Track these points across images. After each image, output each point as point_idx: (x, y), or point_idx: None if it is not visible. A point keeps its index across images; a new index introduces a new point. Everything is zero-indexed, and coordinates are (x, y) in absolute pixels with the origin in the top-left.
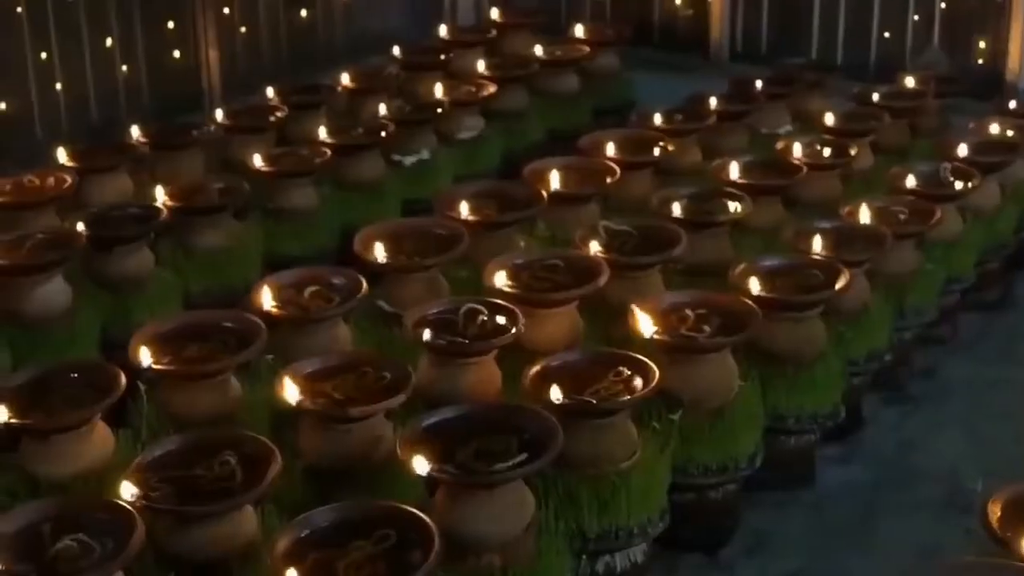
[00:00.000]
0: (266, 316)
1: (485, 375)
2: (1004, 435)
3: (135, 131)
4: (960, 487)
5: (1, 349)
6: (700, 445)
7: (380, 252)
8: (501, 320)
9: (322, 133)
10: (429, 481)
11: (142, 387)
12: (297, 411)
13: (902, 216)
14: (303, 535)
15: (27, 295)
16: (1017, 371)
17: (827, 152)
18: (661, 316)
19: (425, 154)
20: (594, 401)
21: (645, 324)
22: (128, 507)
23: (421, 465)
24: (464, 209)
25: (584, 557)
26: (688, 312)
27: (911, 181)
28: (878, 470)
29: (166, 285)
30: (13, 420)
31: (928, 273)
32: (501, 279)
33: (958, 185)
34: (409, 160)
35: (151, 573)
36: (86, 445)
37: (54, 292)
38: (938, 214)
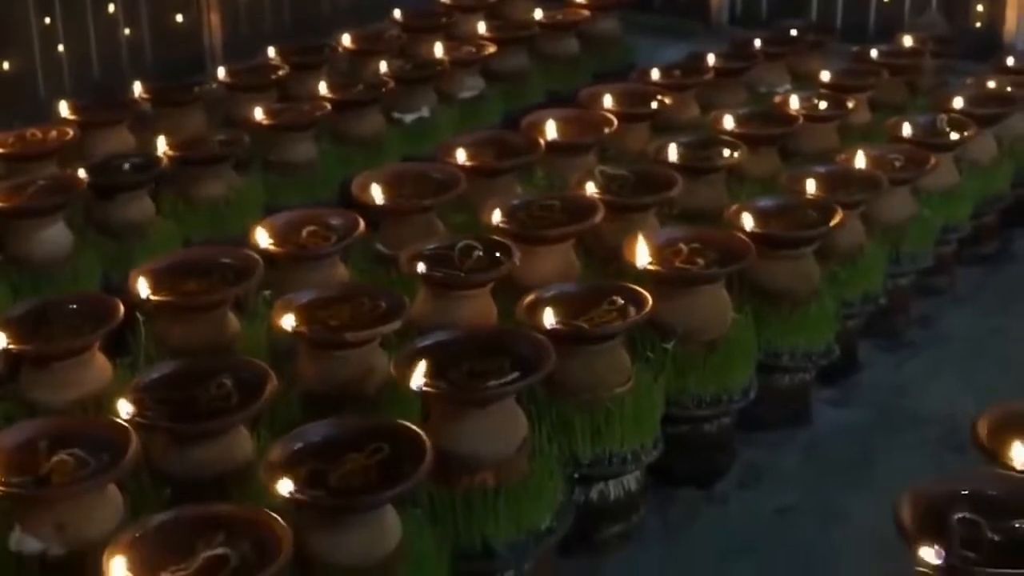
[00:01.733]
0: (264, 253)
1: (480, 309)
2: (1002, 383)
3: (137, 87)
4: (957, 428)
5: (4, 292)
6: (694, 377)
7: (378, 194)
8: (497, 256)
9: (323, 89)
10: (422, 400)
11: (140, 319)
12: (294, 338)
13: (897, 163)
14: (297, 447)
15: (30, 238)
16: (1015, 322)
17: (824, 106)
18: (656, 250)
19: (425, 112)
20: (586, 326)
21: (640, 257)
22: (123, 424)
23: (415, 380)
24: (462, 156)
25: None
26: (682, 246)
27: (907, 130)
28: (874, 412)
29: (167, 233)
30: (13, 346)
31: (923, 220)
32: (497, 217)
33: (954, 136)
34: (409, 118)
35: (147, 493)
36: (84, 373)
37: (56, 236)
38: (933, 161)
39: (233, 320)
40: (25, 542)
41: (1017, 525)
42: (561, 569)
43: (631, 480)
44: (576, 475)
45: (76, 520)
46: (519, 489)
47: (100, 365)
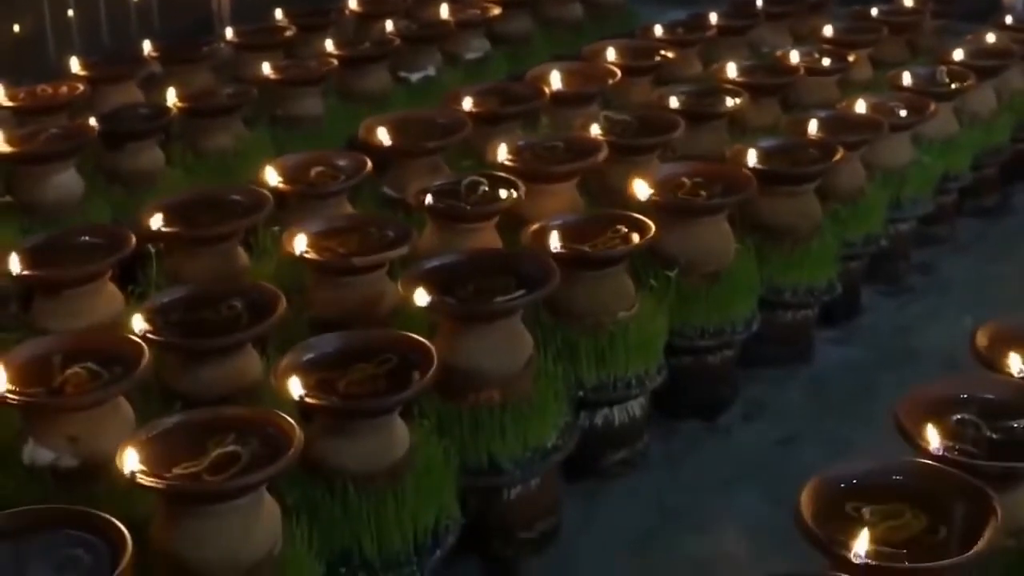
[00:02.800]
0: (273, 191)
1: (485, 243)
2: None
3: (147, 46)
4: (957, 364)
5: (16, 236)
6: (697, 308)
7: (384, 136)
8: (503, 193)
9: (329, 47)
10: (430, 317)
11: (152, 250)
12: (303, 265)
13: (898, 111)
14: (306, 358)
15: (41, 184)
16: (1015, 269)
17: (826, 62)
18: (659, 184)
19: (431, 71)
20: (589, 249)
21: (643, 189)
22: (136, 339)
23: (421, 297)
24: (468, 103)
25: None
26: (685, 180)
27: (908, 79)
28: (876, 351)
29: (175, 182)
30: (26, 272)
31: (923, 167)
32: (503, 155)
33: (954, 86)
34: (415, 77)
35: (157, 411)
36: (96, 302)
37: (67, 182)
38: (932, 107)
39: (242, 255)
40: (38, 454)
41: (1015, 425)
42: (566, 494)
43: (635, 406)
44: (581, 392)
45: (88, 432)
46: (525, 407)
47: (111, 294)
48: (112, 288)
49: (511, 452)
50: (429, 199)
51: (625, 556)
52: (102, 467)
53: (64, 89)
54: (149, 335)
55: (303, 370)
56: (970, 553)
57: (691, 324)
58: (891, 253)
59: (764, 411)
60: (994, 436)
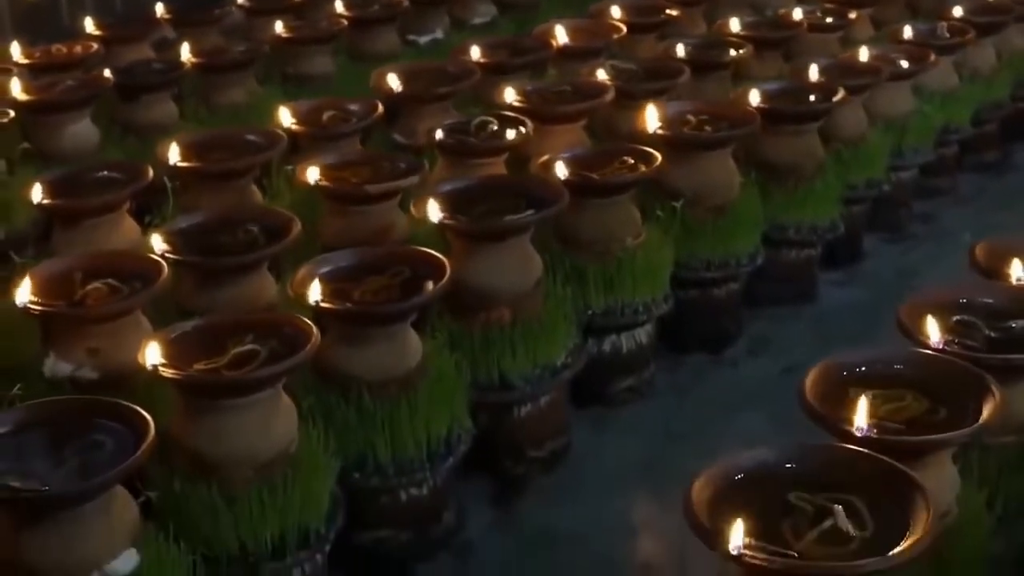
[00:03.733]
0: (286, 131)
1: None
2: None
3: (159, 7)
4: None
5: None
6: (702, 241)
7: (395, 83)
8: (511, 132)
9: (339, 7)
10: (441, 236)
11: (168, 185)
12: (316, 195)
13: (898, 60)
14: (322, 270)
15: (58, 133)
16: (1016, 219)
17: (829, 20)
18: (665, 120)
19: (439, 34)
20: (596, 176)
21: (649, 123)
22: (156, 257)
23: (434, 213)
24: (476, 53)
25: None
26: (691, 117)
27: (908, 33)
28: (879, 292)
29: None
30: (46, 202)
31: (924, 116)
32: (511, 96)
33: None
34: (423, 40)
35: None
36: (113, 233)
37: (83, 131)
38: (932, 57)
39: (256, 193)
40: (58, 367)
41: (1014, 325)
42: (574, 419)
43: (642, 334)
44: (590, 312)
45: (108, 345)
46: (535, 326)
47: (129, 226)
48: (129, 221)
49: (521, 369)
50: (439, 134)
51: (633, 477)
52: (121, 380)
53: (79, 48)
54: (168, 254)
55: (319, 281)
56: (971, 427)
57: (697, 256)
58: (893, 201)
59: (769, 346)
60: (993, 335)
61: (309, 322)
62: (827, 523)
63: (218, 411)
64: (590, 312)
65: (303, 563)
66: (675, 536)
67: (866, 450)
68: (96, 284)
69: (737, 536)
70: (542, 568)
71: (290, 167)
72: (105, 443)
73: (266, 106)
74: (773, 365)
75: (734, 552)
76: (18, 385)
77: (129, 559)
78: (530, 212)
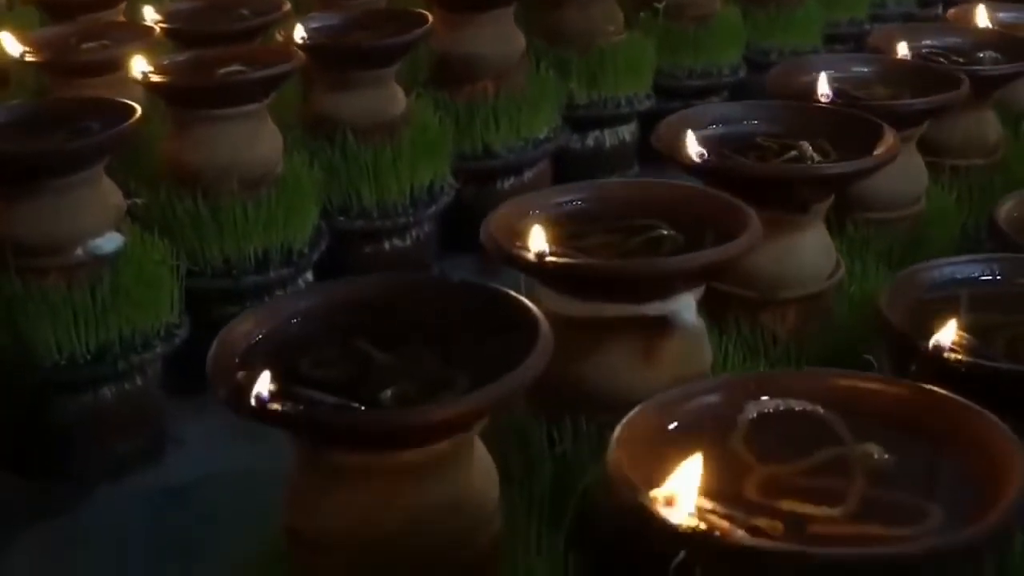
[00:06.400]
0: None
1: None
2: None
3: None
4: None
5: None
6: (685, 50)
7: None
8: None
9: None
10: (428, 7)
11: None
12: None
13: None
14: (311, 26)
15: None
16: None
17: None
18: None
19: None
20: None
21: None
22: (150, 25)
23: None
24: None
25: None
26: None
27: None
28: None
29: None
30: None
31: None
32: None
33: None
34: None
35: None
36: None
37: None
38: None
39: None
40: None
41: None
42: None
43: (625, 132)
44: (574, 104)
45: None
46: (519, 98)
47: None
48: None
49: (504, 139)
50: None
51: None
52: None
53: None
54: (159, 24)
55: (310, 33)
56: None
57: (680, 65)
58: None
59: None
60: None
61: (294, 48)
62: None
63: (204, 121)
64: (574, 104)
65: (285, 281)
66: None
67: None
68: (92, 45)
69: None
70: None
71: None
72: (93, 127)
73: None
74: None
75: None
76: None
77: (113, 239)
78: None
